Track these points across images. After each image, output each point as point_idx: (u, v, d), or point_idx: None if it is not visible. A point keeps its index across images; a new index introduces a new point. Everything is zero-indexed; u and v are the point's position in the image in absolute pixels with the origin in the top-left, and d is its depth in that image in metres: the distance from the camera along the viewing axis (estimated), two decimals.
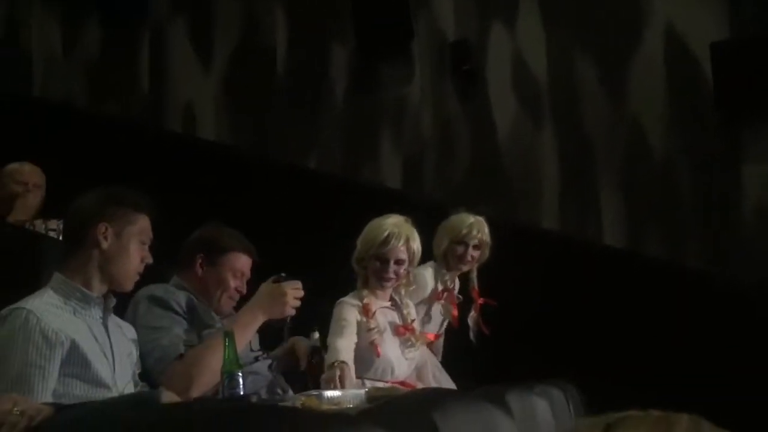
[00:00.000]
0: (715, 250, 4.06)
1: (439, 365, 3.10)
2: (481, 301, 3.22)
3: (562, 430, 1.71)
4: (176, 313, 2.42)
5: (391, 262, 2.73)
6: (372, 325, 2.67)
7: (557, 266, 4.12)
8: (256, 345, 2.57)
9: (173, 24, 5.26)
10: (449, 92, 4.64)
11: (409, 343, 2.78)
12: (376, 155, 4.76)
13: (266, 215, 4.57)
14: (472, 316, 3.22)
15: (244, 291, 2.59)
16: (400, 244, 2.73)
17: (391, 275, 2.74)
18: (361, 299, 2.73)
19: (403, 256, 2.75)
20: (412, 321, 2.84)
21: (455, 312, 3.16)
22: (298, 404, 2.21)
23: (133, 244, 2.12)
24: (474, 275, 3.24)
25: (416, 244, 2.78)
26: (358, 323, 2.68)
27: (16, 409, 1.53)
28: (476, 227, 3.19)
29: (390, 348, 2.72)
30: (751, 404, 3.27)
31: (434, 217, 4.37)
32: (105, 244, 2.09)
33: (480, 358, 3.28)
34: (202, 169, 4.80)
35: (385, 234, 2.73)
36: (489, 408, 1.03)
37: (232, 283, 2.55)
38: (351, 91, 4.85)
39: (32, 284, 2.18)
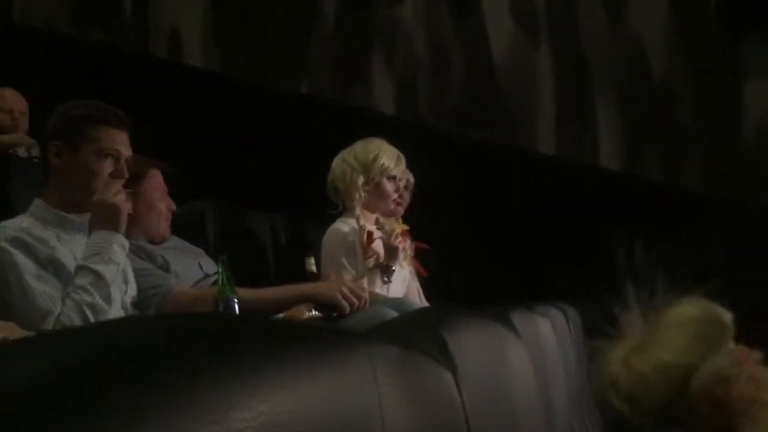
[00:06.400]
0: (715, 171, 4.00)
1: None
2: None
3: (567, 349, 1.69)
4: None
5: (401, 184, 2.75)
6: (370, 254, 2.65)
7: (553, 190, 4.07)
8: (209, 269, 2.48)
9: None
10: (443, 12, 4.50)
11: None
12: (368, 78, 4.64)
13: (256, 142, 4.48)
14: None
15: (174, 206, 2.50)
16: (404, 164, 2.75)
17: (404, 197, 2.76)
18: (358, 224, 2.70)
19: (409, 176, 2.80)
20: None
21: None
22: (280, 315, 2.18)
23: (92, 160, 1.99)
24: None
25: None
26: (355, 248, 2.65)
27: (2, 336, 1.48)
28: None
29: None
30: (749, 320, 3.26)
31: (428, 142, 4.31)
32: (58, 163, 1.99)
33: (472, 281, 3.25)
34: (189, 96, 4.69)
35: (396, 154, 2.74)
36: (497, 327, 0.98)
37: (161, 204, 2.46)
38: (342, 12, 4.70)
39: (5, 211, 2.11)
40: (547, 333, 1.57)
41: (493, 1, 4.42)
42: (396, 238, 2.65)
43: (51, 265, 1.90)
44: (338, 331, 0.54)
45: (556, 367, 1.53)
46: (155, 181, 2.47)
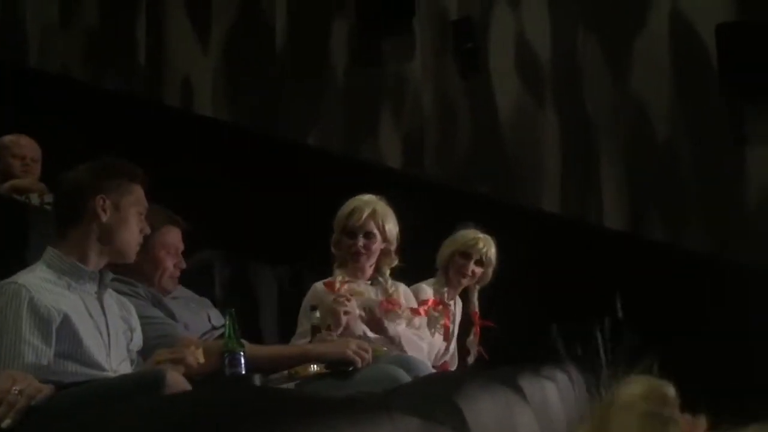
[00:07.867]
0: (718, 233, 4.03)
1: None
2: (480, 324, 3.15)
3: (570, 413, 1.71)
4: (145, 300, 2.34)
5: (359, 236, 2.72)
6: (332, 297, 2.61)
7: (557, 248, 4.09)
8: (216, 321, 2.48)
9: None
10: (451, 70, 4.59)
11: (394, 315, 2.75)
12: (376, 133, 4.71)
13: (263, 192, 4.53)
14: (471, 341, 3.13)
15: (184, 265, 2.46)
16: (365, 215, 2.72)
17: (361, 249, 2.73)
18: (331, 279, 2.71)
19: (372, 229, 2.74)
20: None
21: (447, 323, 3.05)
22: (285, 372, 2.22)
23: (132, 215, 2.10)
24: (475, 297, 3.16)
25: (390, 223, 2.77)
26: (321, 299, 2.62)
27: (15, 387, 1.49)
28: (482, 243, 3.10)
29: (361, 322, 2.67)
30: (751, 387, 3.26)
31: (434, 197, 4.35)
32: (105, 217, 2.07)
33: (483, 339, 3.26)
34: (199, 145, 4.75)
35: (351, 207, 2.75)
36: (506, 391, 1.00)
37: (169, 261, 2.42)
38: (351, 68, 4.79)
39: (18, 257, 2.14)
40: (553, 397, 1.59)
41: (499, 61, 4.51)
42: (342, 301, 2.55)
43: (55, 320, 1.92)
44: (365, 402, 0.57)
45: (560, 430, 1.55)
46: (166, 238, 2.43)
